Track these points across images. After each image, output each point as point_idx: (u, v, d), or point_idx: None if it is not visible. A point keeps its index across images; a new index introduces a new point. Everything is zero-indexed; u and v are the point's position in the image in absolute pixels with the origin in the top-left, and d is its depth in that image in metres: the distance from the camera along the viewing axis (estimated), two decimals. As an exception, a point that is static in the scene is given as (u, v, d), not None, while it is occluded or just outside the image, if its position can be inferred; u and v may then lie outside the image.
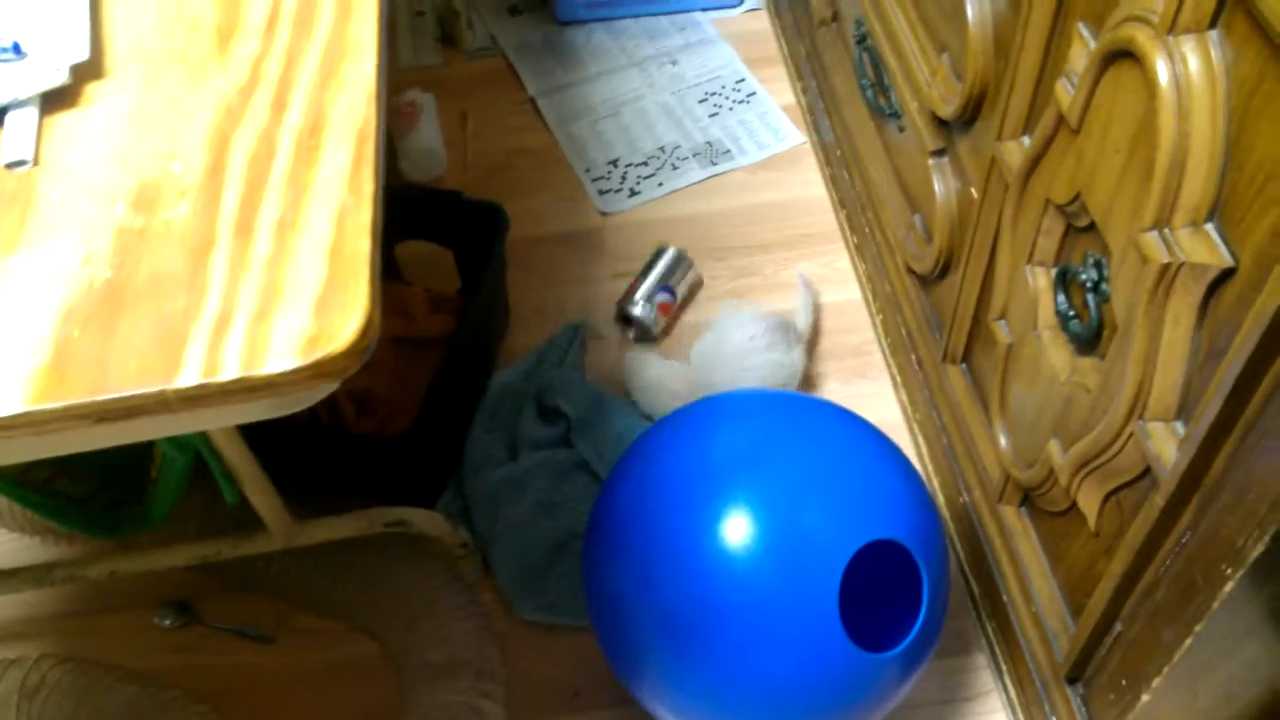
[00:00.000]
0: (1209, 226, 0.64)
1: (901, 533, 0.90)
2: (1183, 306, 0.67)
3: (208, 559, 1.15)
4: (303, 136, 0.58)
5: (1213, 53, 0.61)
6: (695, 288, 1.46)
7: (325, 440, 1.23)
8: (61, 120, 0.61)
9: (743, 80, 1.73)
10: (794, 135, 1.63)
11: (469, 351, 1.33)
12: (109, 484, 1.17)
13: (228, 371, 0.49)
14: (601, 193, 1.59)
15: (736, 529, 0.89)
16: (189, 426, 0.52)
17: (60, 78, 0.61)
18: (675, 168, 1.62)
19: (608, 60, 1.79)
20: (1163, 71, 0.63)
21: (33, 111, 0.60)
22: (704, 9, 1.83)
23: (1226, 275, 0.64)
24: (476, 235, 1.37)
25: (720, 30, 1.80)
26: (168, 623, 1.21)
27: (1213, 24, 0.61)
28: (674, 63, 1.76)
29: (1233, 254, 0.63)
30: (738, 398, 1.04)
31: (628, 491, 0.98)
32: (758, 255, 1.48)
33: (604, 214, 1.56)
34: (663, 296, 1.40)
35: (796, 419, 0.98)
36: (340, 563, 1.19)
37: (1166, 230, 0.66)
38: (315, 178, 0.56)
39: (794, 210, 1.53)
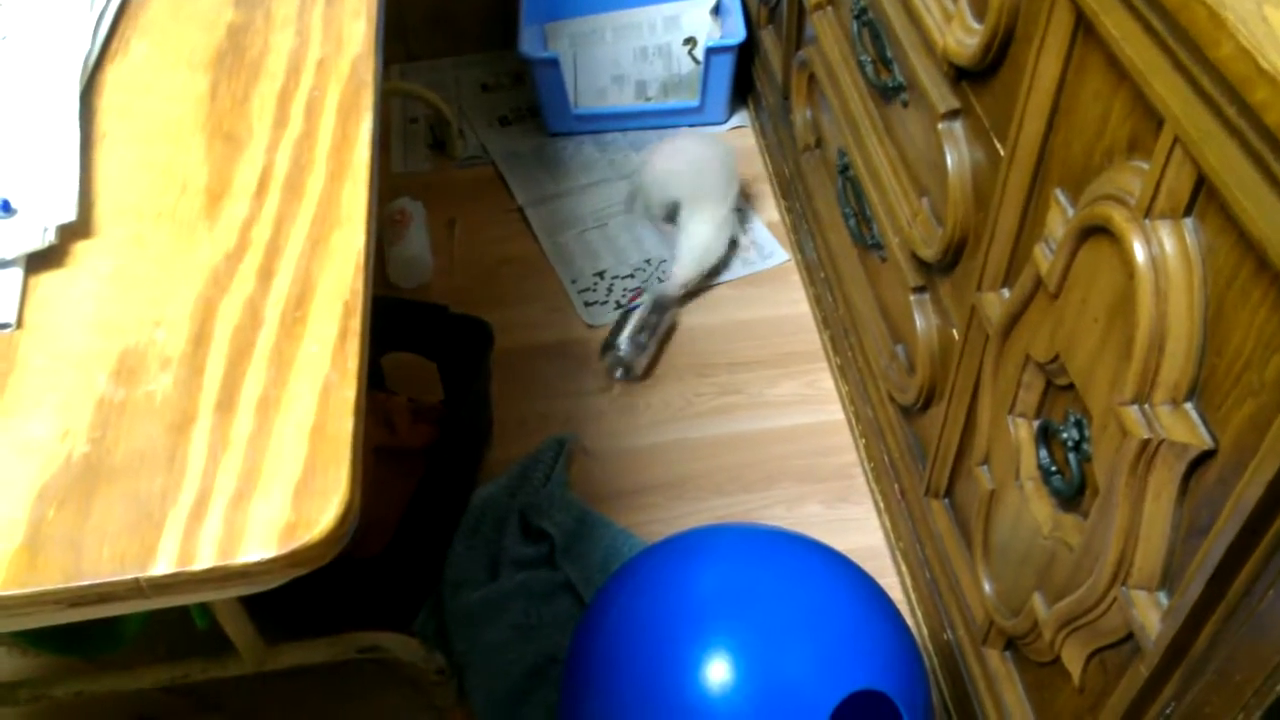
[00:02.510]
0: (1189, 406, 0.65)
1: (886, 682, 0.89)
2: (1164, 481, 0.67)
3: (175, 681, 1.12)
4: (289, 307, 0.58)
5: (1188, 239, 0.63)
6: (673, 329, 1.56)
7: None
8: (46, 281, 0.61)
9: (729, 196, 1.75)
10: (778, 253, 1.65)
11: (451, 465, 1.32)
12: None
13: (202, 560, 0.48)
14: (587, 304, 1.60)
15: (717, 674, 0.88)
16: (163, 605, 0.51)
17: (48, 239, 0.61)
18: (661, 280, 1.63)
19: (596, 172, 1.81)
20: (1140, 252, 0.65)
21: (18, 273, 0.60)
22: (690, 125, 1.87)
23: (1207, 456, 0.64)
24: (461, 349, 1.38)
25: (707, 146, 1.83)
26: (132, 744, 1.18)
27: (1188, 212, 0.62)
28: (661, 177, 1.79)
29: (1213, 436, 0.63)
30: (722, 532, 1.03)
31: (608, 628, 0.97)
32: (742, 373, 1.49)
33: (590, 326, 1.57)
34: (642, 338, 1.49)
35: (781, 559, 0.98)
36: (308, 691, 1.16)
37: (1147, 406, 0.67)
38: (300, 351, 0.56)
39: (778, 328, 1.54)
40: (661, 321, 1.52)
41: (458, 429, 1.34)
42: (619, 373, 1.49)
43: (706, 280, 1.62)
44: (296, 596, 1.23)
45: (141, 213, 0.65)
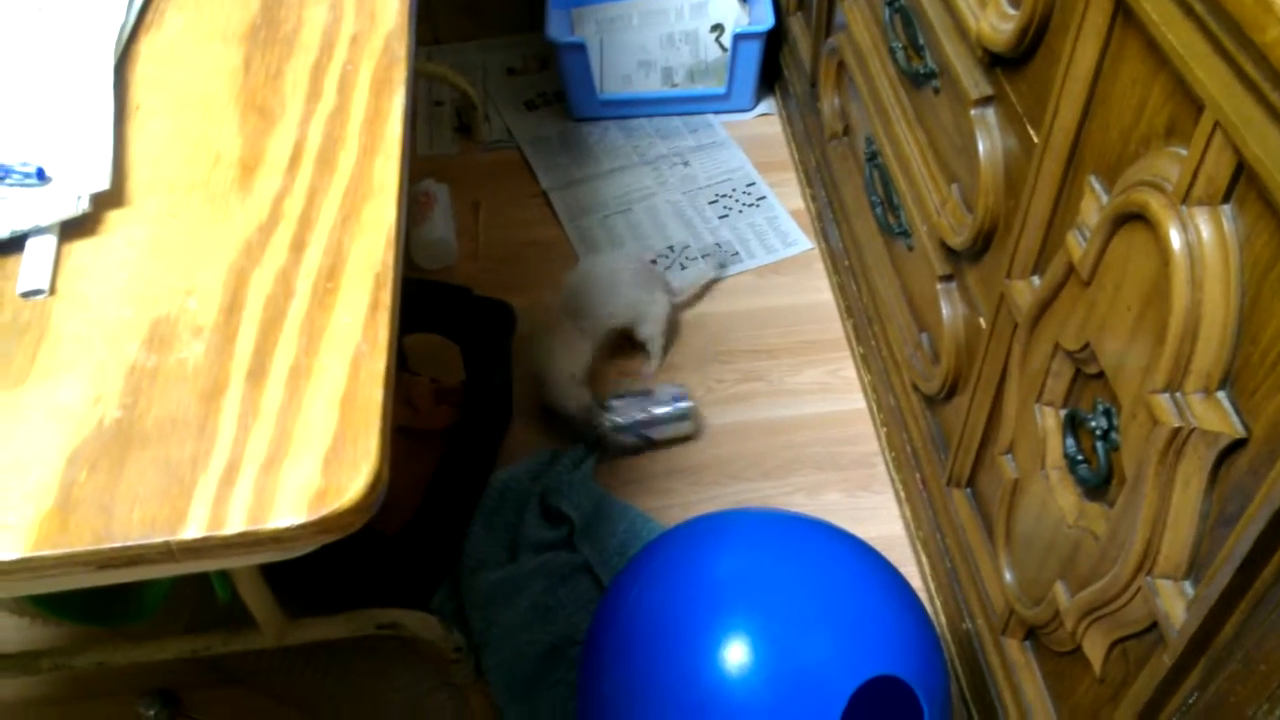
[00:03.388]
0: (1221, 395, 0.64)
1: (904, 669, 0.89)
2: (1193, 470, 0.66)
3: (197, 653, 1.13)
4: (320, 279, 0.58)
5: (1226, 226, 0.62)
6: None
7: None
8: (79, 249, 0.61)
9: (753, 184, 1.75)
10: (802, 241, 1.64)
11: (471, 446, 1.32)
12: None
13: (233, 525, 0.49)
14: (610, 290, 1.60)
15: (735, 658, 0.88)
16: (192, 570, 0.52)
17: (81, 206, 0.62)
18: (684, 267, 1.63)
19: (620, 158, 1.81)
20: (1176, 239, 0.64)
21: (52, 240, 0.61)
22: (716, 111, 1.86)
23: (1238, 445, 0.63)
24: (484, 331, 1.38)
25: (732, 133, 1.83)
26: (152, 713, 1.19)
27: (1226, 198, 0.62)
28: (686, 163, 1.79)
29: (1245, 425, 0.63)
30: (742, 516, 1.03)
31: (626, 611, 0.97)
32: (764, 360, 1.49)
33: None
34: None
35: (801, 543, 0.97)
36: (328, 666, 1.17)
37: (1178, 394, 0.66)
38: (331, 322, 0.56)
39: (801, 316, 1.54)
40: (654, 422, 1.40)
41: (479, 410, 1.34)
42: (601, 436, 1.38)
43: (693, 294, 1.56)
44: (317, 572, 1.24)
45: (175, 184, 0.65)
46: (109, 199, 0.64)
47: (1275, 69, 0.52)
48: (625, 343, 1.50)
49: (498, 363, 1.38)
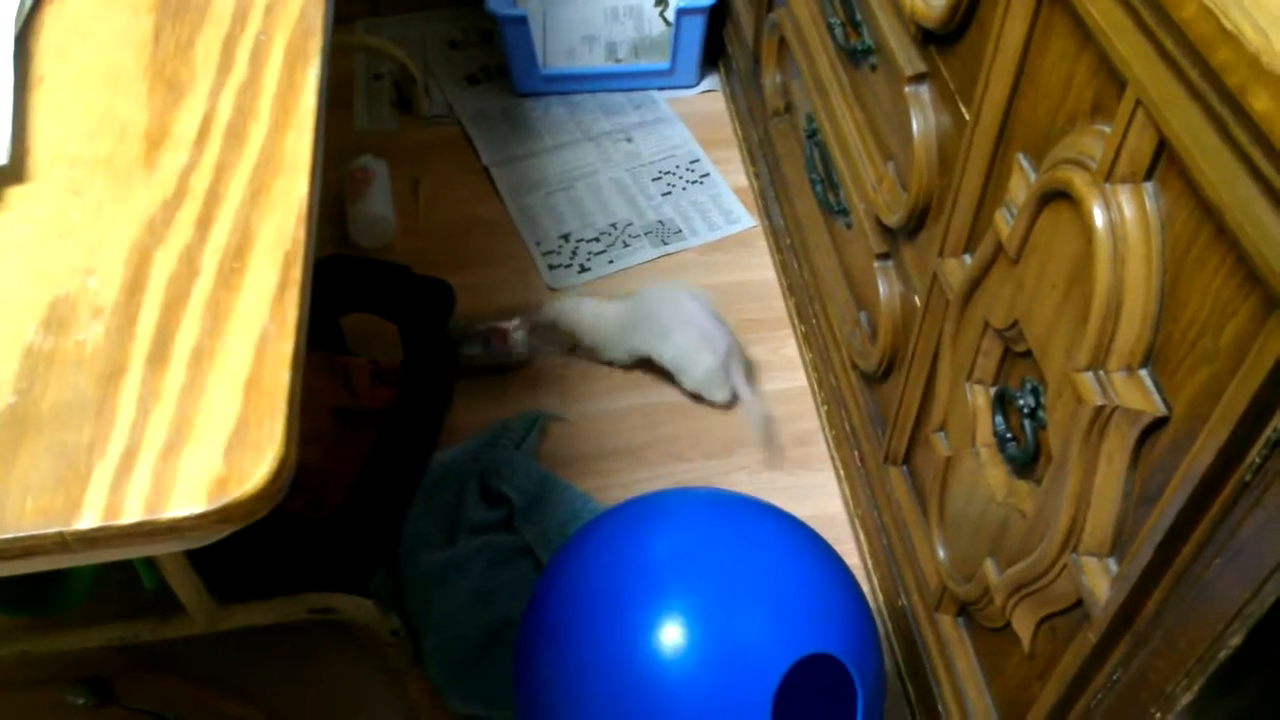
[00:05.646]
0: (1143, 373, 0.65)
1: (838, 647, 0.89)
2: (1116, 448, 0.67)
3: (125, 641, 1.11)
4: (227, 257, 0.56)
5: (1148, 204, 0.62)
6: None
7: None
8: (-24, 226, 0.59)
9: (697, 160, 1.74)
10: (745, 219, 1.64)
11: (408, 427, 1.30)
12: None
13: (129, 514, 0.47)
14: (551, 267, 1.58)
15: (670, 639, 0.88)
16: (89, 561, 0.50)
17: (-22, 182, 0.59)
18: (627, 245, 1.62)
19: (563, 134, 1.79)
20: (1099, 217, 0.64)
21: (-54, 217, 0.58)
22: (660, 88, 1.85)
23: (1160, 423, 0.64)
24: (423, 311, 1.36)
25: (676, 109, 1.82)
26: (81, 702, 1.17)
27: (1148, 176, 0.62)
28: (629, 139, 1.77)
29: (1166, 403, 0.63)
30: (678, 497, 1.02)
31: (561, 590, 0.96)
32: (706, 338, 1.48)
33: (553, 289, 1.55)
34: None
35: (736, 524, 0.97)
36: (263, 648, 1.15)
37: (1101, 372, 0.66)
38: (237, 302, 0.54)
39: (744, 294, 1.53)
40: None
41: (416, 391, 1.32)
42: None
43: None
44: (251, 556, 1.22)
45: (78, 159, 0.62)
46: (7, 175, 0.61)
47: (1193, 46, 0.52)
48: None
49: (437, 343, 1.36)
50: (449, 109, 1.82)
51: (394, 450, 1.26)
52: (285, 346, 0.52)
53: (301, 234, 0.57)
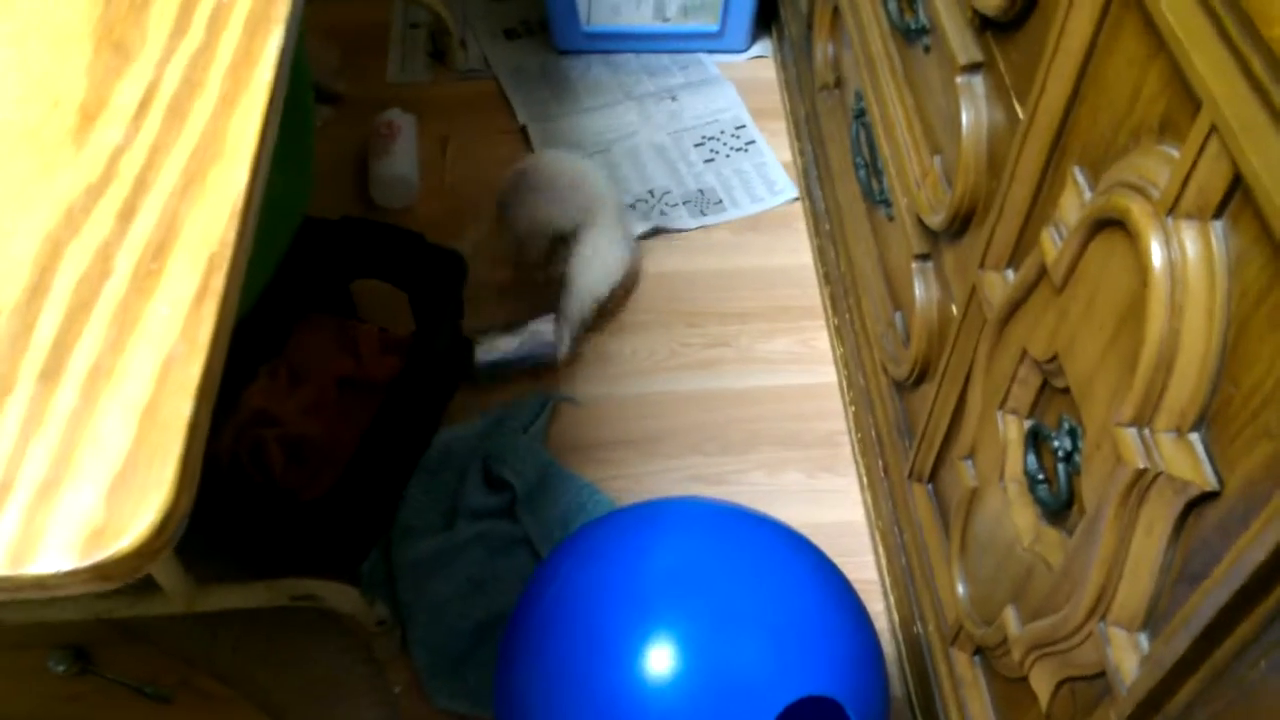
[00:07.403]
0: (1194, 437, 0.56)
1: (841, 688, 0.82)
2: (1157, 517, 0.58)
3: (100, 615, 1.07)
4: (145, 257, 0.49)
5: (1215, 246, 0.53)
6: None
7: (238, 498, 1.14)
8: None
9: (743, 126, 1.64)
10: (789, 189, 1.54)
11: (411, 401, 1.24)
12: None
13: (-11, 564, 0.41)
14: (580, 238, 1.50)
15: (659, 663, 0.82)
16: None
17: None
18: (664, 214, 1.53)
19: (604, 94, 1.70)
20: (1157, 255, 0.55)
21: None
22: (709, 51, 1.75)
23: (1209, 496, 0.55)
24: (434, 281, 1.29)
25: (724, 73, 1.72)
26: (62, 669, 1.13)
27: (1218, 214, 0.53)
28: (673, 98, 1.68)
29: (1218, 476, 0.54)
30: (687, 506, 0.95)
31: (552, 599, 0.90)
32: (734, 324, 1.40)
33: (581, 263, 1.47)
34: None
35: (745, 542, 0.90)
36: (245, 628, 1.11)
37: (1147, 430, 0.58)
38: (147, 312, 0.47)
39: (777, 278, 1.45)
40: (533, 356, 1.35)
41: (421, 363, 1.26)
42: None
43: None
44: (236, 534, 1.17)
45: (4, 128, 0.56)
46: (-75, 145, 0.55)
47: (1285, 70, 0.43)
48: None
49: (448, 315, 1.29)
50: (485, 63, 1.74)
51: (394, 425, 1.20)
52: (193, 370, 0.45)
53: (232, 235, 0.50)
